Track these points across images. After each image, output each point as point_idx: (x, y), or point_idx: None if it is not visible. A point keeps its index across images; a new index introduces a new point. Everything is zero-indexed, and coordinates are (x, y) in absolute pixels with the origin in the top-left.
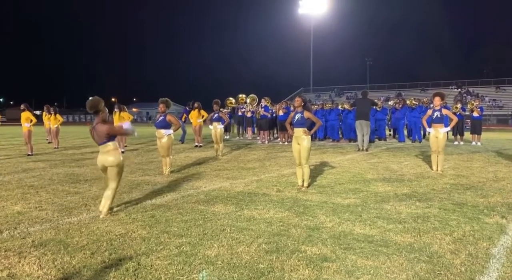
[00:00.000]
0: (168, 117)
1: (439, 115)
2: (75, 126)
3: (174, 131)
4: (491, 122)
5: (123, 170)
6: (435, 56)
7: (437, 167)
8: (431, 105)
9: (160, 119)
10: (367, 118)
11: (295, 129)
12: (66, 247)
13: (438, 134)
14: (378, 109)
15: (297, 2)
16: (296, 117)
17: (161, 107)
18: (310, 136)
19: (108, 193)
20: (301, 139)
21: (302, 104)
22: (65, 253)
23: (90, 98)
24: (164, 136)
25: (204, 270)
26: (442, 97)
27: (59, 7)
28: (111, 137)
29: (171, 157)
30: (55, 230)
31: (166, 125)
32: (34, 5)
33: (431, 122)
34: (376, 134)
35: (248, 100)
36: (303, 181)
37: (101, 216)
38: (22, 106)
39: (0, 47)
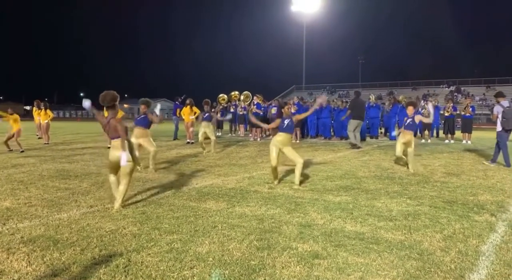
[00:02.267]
0: (150, 116)
1: (411, 122)
2: (65, 122)
3: (158, 122)
4: (481, 121)
5: (134, 168)
6: (426, 55)
7: (407, 166)
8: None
9: (141, 116)
10: (364, 118)
11: (283, 134)
12: (55, 243)
13: (405, 140)
14: (373, 104)
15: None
16: (286, 123)
17: (143, 108)
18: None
19: (121, 188)
20: (286, 144)
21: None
22: (54, 249)
23: (106, 91)
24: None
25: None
26: (415, 106)
27: (50, 3)
28: (116, 136)
29: (154, 149)
30: (45, 226)
31: (147, 122)
32: (25, 1)
33: (402, 127)
34: (368, 132)
35: (242, 97)
36: (279, 180)
37: (114, 209)
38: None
39: None
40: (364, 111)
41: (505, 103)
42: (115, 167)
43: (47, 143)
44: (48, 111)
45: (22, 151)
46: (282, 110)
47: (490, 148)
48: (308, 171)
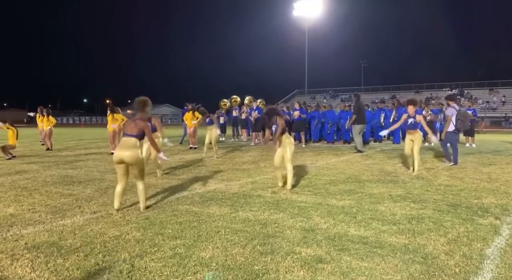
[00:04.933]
0: (153, 121)
1: (413, 122)
2: (69, 128)
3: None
4: (485, 124)
5: (144, 166)
6: (429, 58)
7: (413, 168)
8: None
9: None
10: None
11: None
12: (59, 249)
13: (413, 137)
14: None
15: (291, 4)
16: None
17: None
18: (291, 138)
19: (140, 191)
20: (284, 141)
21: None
22: (58, 256)
23: (138, 98)
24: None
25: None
26: (415, 104)
27: (53, 10)
28: (139, 134)
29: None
30: (48, 232)
31: (152, 126)
32: (29, 8)
33: (405, 128)
34: (372, 136)
35: (246, 102)
36: (284, 182)
37: (141, 210)
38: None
39: None
40: (364, 114)
41: (456, 106)
42: (122, 167)
43: (50, 149)
44: (51, 117)
45: (14, 157)
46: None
47: (494, 151)
48: (311, 175)
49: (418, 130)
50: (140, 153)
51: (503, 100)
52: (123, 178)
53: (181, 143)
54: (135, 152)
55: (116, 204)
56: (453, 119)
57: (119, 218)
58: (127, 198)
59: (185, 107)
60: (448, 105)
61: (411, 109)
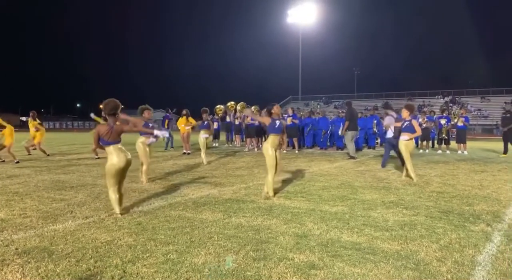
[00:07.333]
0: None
1: (408, 125)
2: (61, 133)
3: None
4: (476, 132)
5: (111, 172)
6: (422, 66)
7: (406, 174)
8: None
9: (145, 123)
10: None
11: (274, 136)
12: (50, 254)
13: (406, 141)
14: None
15: (285, 11)
16: (277, 123)
17: (147, 113)
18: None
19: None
20: (276, 145)
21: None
22: (49, 261)
23: (109, 99)
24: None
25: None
26: (410, 109)
27: (47, 13)
28: (117, 141)
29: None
30: (40, 237)
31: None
32: (23, 11)
33: (400, 131)
34: (366, 143)
35: (238, 108)
36: (274, 191)
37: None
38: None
39: None
40: (356, 121)
41: (394, 114)
42: (124, 170)
43: (28, 153)
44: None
45: (3, 161)
46: (272, 111)
47: (486, 158)
48: (305, 181)
49: (410, 134)
50: (112, 160)
51: (504, 106)
52: (122, 182)
53: (166, 149)
54: (108, 159)
55: (117, 209)
56: (392, 127)
57: (111, 224)
58: None
59: (167, 113)
60: (386, 114)
61: (405, 113)
